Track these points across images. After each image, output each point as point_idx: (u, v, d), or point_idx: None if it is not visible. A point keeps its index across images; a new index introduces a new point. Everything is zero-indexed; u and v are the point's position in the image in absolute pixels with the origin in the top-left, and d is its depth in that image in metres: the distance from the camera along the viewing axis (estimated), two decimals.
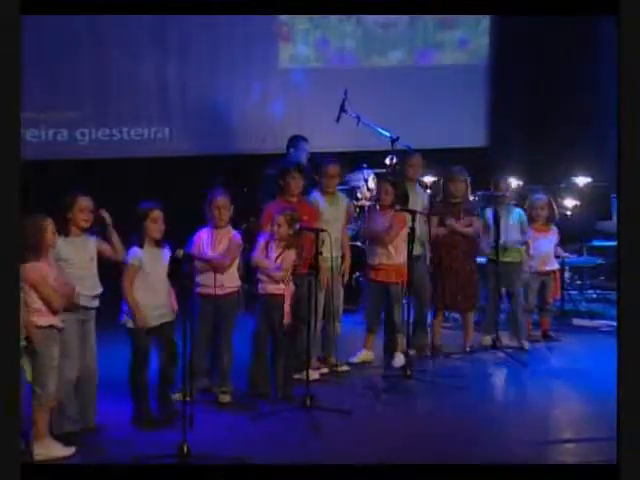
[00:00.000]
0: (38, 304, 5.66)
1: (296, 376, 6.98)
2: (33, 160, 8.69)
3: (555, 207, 8.56)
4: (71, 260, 5.98)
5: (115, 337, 6.32)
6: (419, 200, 7.74)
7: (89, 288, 5.98)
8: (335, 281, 7.34)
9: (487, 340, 7.89)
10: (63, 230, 5.95)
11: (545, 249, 8.27)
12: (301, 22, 10.21)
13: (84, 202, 5.89)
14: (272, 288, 6.75)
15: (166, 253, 6.37)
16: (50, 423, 5.84)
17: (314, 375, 7.03)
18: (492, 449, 5.81)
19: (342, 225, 7.48)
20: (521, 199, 8.65)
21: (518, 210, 8.15)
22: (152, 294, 6.26)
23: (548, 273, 8.26)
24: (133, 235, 6.31)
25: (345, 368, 7.39)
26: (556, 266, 8.39)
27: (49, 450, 5.57)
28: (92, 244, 6.06)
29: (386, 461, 5.61)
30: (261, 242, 6.82)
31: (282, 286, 6.78)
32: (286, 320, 6.78)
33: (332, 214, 7.38)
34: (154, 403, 6.34)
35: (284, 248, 6.81)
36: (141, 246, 6.26)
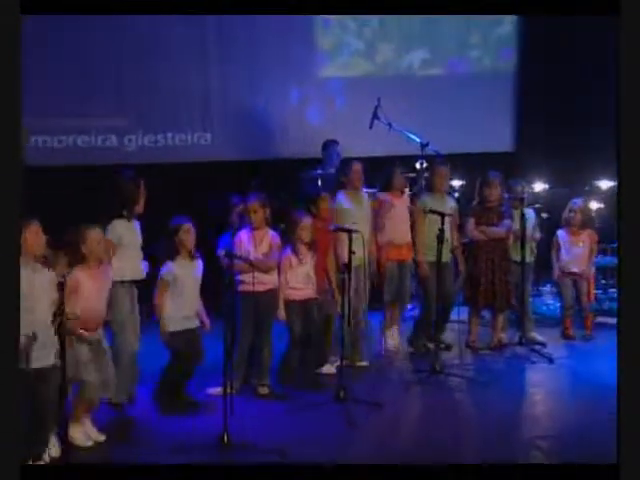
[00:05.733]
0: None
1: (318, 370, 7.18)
2: (84, 165, 9.05)
3: (591, 212, 8.49)
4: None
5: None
6: (447, 208, 7.76)
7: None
8: (362, 279, 7.37)
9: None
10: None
11: (576, 251, 8.33)
12: (338, 33, 10.29)
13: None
14: (301, 294, 6.93)
15: (199, 264, 6.52)
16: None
17: (331, 369, 7.20)
18: (504, 445, 5.77)
19: (370, 223, 7.60)
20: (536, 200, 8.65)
21: (530, 211, 8.19)
22: (182, 304, 6.41)
23: (579, 274, 8.31)
24: (164, 250, 6.41)
25: (364, 364, 7.48)
26: (588, 269, 8.36)
27: (84, 431, 5.71)
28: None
29: (410, 456, 5.57)
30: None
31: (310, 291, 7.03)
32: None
33: (358, 213, 7.46)
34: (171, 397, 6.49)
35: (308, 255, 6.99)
36: (173, 259, 6.40)
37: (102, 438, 5.82)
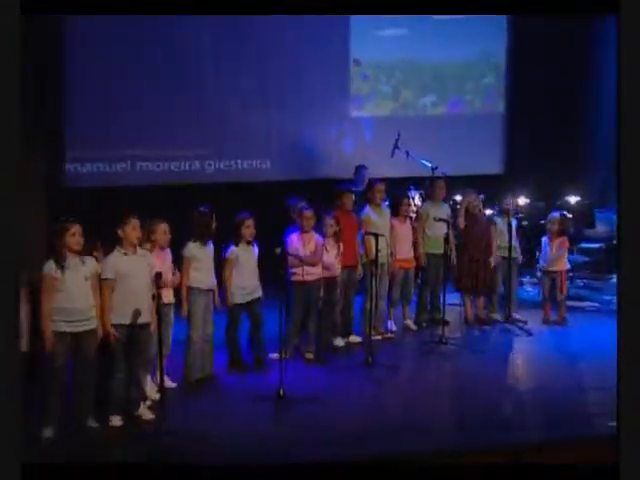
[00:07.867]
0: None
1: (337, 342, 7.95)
2: (172, 184, 10.15)
3: (567, 222, 9.24)
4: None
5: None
6: (444, 212, 8.76)
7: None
8: (383, 272, 8.19)
9: (495, 316, 9.03)
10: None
11: (553, 255, 9.09)
12: (371, 82, 11.22)
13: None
14: (327, 273, 7.71)
15: (255, 249, 7.15)
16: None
17: (341, 342, 8.03)
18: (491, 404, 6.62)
19: (389, 230, 8.30)
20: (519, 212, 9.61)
21: (513, 221, 9.16)
22: (242, 279, 7.09)
23: (556, 272, 9.12)
24: (230, 235, 7.05)
25: (378, 337, 8.16)
26: (563, 267, 9.14)
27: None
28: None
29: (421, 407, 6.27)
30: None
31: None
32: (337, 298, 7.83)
33: (381, 223, 8.25)
34: (247, 356, 7.24)
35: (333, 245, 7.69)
36: (237, 245, 7.08)
37: (173, 385, 6.66)
